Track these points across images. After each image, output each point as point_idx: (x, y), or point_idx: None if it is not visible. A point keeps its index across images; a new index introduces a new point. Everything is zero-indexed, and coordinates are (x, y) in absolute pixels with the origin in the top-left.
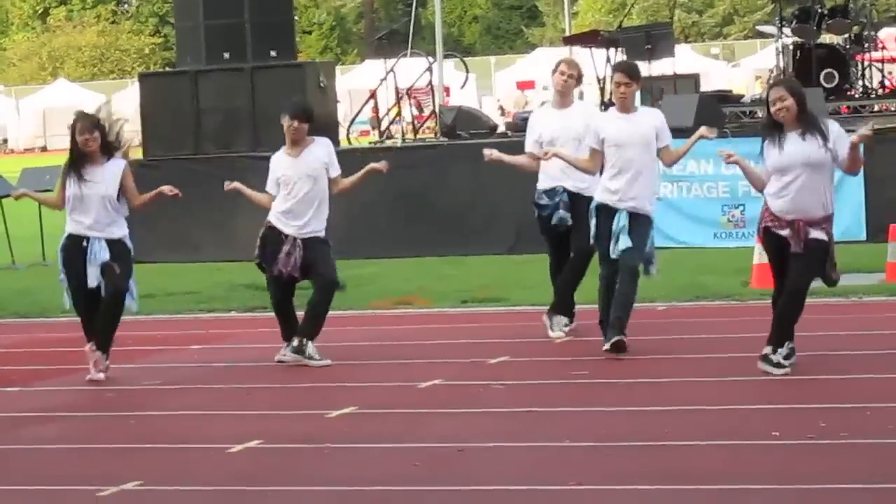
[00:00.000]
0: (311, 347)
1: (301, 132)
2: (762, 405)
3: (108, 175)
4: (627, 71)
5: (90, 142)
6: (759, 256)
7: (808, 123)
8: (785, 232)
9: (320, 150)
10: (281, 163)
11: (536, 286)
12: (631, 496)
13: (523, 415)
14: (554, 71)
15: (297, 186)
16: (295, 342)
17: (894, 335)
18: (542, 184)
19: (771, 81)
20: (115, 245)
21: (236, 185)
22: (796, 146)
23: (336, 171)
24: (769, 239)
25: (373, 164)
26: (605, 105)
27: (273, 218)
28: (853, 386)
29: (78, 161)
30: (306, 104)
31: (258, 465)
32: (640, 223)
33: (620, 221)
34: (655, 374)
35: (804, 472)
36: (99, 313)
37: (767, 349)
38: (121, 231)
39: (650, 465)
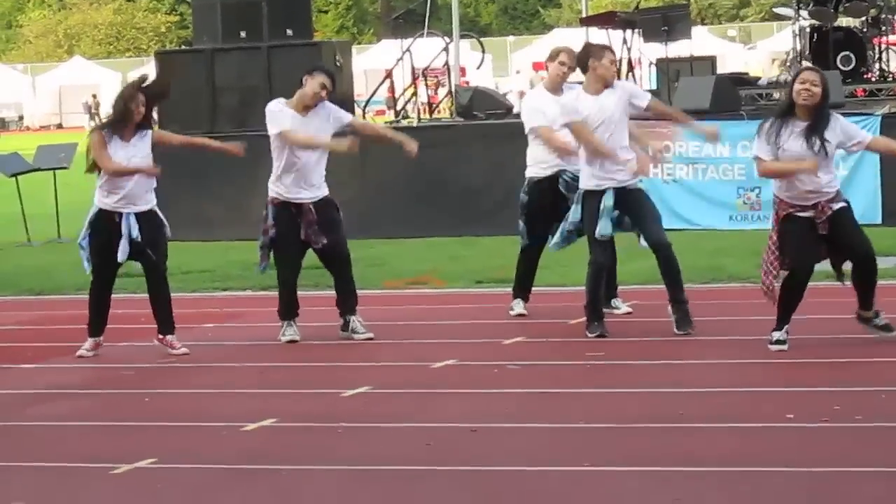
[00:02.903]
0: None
1: (325, 97)
2: (777, 388)
3: (144, 143)
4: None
5: (141, 108)
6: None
7: (821, 118)
8: (809, 213)
9: (326, 112)
10: (293, 121)
11: (551, 266)
12: (644, 477)
13: (537, 395)
14: (553, 59)
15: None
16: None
17: None
18: (544, 171)
19: (788, 63)
20: (149, 217)
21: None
22: (802, 139)
23: (349, 116)
24: (792, 226)
25: (407, 142)
26: None
27: (282, 189)
28: (867, 369)
29: (120, 127)
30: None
31: (272, 444)
32: (640, 196)
33: (607, 200)
34: (671, 355)
35: (818, 456)
36: (155, 302)
37: (869, 314)
38: (153, 201)
39: (664, 447)
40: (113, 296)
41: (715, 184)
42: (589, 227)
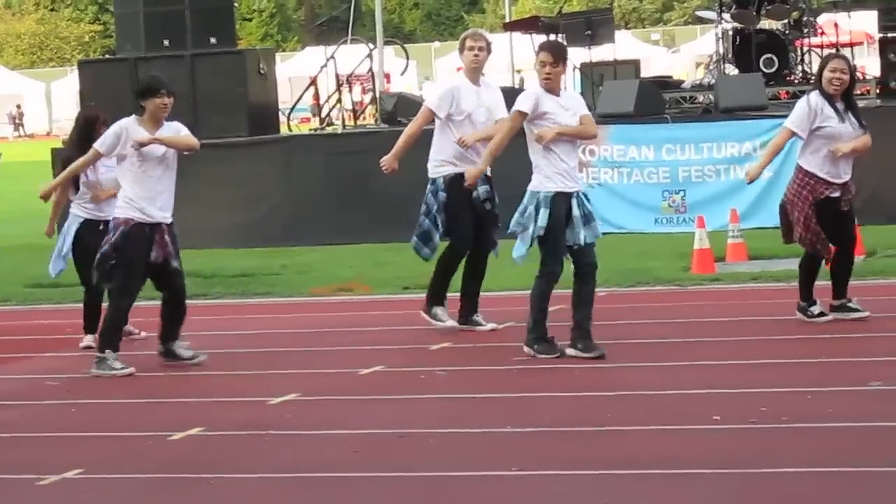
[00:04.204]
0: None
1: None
2: (703, 390)
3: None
4: (552, 50)
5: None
6: (700, 242)
7: (852, 102)
8: (837, 193)
9: (171, 130)
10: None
11: None
12: (573, 481)
13: (465, 401)
14: (461, 49)
15: (159, 168)
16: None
17: (835, 320)
18: (453, 169)
19: (710, 66)
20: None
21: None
22: (837, 118)
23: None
24: (822, 207)
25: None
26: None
27: (133, 210)
28: (792, 370)
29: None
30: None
31: (200, 453)
32: (587, 205)
33: (579, 206)
34: (597, 359)
35: (746, 457)
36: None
37: (842, 301)
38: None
39: (593, 451)
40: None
41: (640, 187)
42: (554, 236)
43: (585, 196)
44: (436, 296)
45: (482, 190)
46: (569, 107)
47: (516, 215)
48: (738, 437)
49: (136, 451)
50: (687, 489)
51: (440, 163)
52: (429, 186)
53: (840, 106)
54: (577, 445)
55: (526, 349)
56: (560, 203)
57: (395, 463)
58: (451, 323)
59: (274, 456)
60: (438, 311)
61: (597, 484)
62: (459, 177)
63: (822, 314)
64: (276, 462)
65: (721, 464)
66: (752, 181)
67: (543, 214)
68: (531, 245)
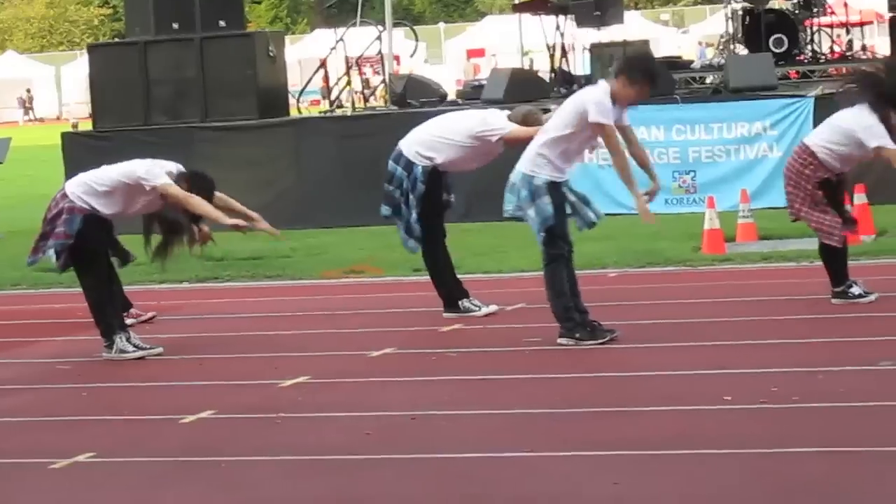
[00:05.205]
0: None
1: None
2: (714, 370)
3: None
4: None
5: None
6: (710, 222)
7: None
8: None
9: None
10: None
11: (488, 254)
12: (585, 462)
13: (476, 382)
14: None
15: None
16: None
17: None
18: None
19: (720, 46)
20: None
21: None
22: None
23: None
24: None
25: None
26: (555, 73)
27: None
28: (803, 350)
29: None
30: None
31: (210, 436)
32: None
33: (572, 191)
34: (609, 341)
35: (756, 437)
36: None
37: (842, 287)
38: None
39: (604, 432)
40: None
41: None
42: (556, 219)
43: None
44: (452, 292)
45: (452, 199)
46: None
47: (514, 199)
48: (749, 417)
49: (147, 434)
50: (698, 470)
51: (421, 156)
52: (401, 169)
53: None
54: (589, 426)
55: (564, 341)
56: (560, 190)
57: (406, 445)
58: (493, 307)
59: (285, 438)
60: (466, 303)
61: (608, 464)
62: (436, 171)
63: (863, 294)
64: (288, 445)
65: (732, 444)
66: None
67: (546, 201)
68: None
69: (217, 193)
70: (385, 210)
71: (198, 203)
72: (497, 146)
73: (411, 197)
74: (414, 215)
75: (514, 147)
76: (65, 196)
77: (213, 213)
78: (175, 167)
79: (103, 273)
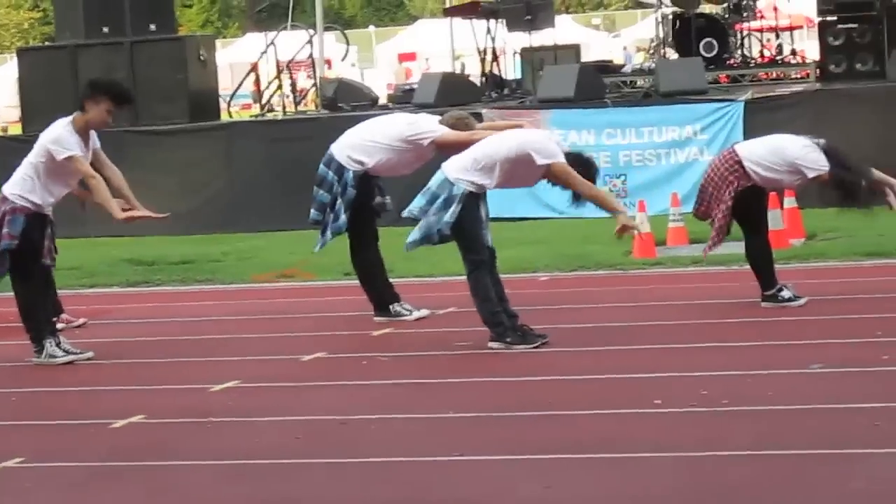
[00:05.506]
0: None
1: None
2: (645, 374)
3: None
4: None
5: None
6: (641, 226)
7: None
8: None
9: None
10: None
11: (420, 258)
12: (516, 466)
13: (407, 386)
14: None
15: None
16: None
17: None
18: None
19: (650, 50)
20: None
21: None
22: None
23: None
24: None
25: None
26: (486, 77)
27: (39, 200)
28: (735, 353)
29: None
30: None
31: (141, 440)
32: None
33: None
34: (540, 346)
35: (686, 440)
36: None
37: (772, 290)
38: None
39: (535, 435)
40: None
41: None
42: (473, 229)
43: None
44: (383, 295)
45: (388, 201)
46: None
47: (422, 202)
48: (679, 420)
49: (77, 439)
50: (628, 473)
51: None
52: (332, 173)
53: None
54: (519, 430)
55: (495, 345)
56: (475, 202)
57: (336, 449)
58: (424, 311)
59: (216, 443)
60: (397, 307)
61: (539, 468)
62: (367, 175)
63: (793, 298)
64: (219, 449)
65: (662, 447)
66: None
67: (455, 209)
68: (437, 241)
69: (117, 175)
70: (315, 215)
71: (102, 189)
72: (428, 150)
73: (339, 201)
74: (342, 219)
75: (446, 151)
76: (5, 199)
77: (110, 202)
78: None
79: (41, 277)
